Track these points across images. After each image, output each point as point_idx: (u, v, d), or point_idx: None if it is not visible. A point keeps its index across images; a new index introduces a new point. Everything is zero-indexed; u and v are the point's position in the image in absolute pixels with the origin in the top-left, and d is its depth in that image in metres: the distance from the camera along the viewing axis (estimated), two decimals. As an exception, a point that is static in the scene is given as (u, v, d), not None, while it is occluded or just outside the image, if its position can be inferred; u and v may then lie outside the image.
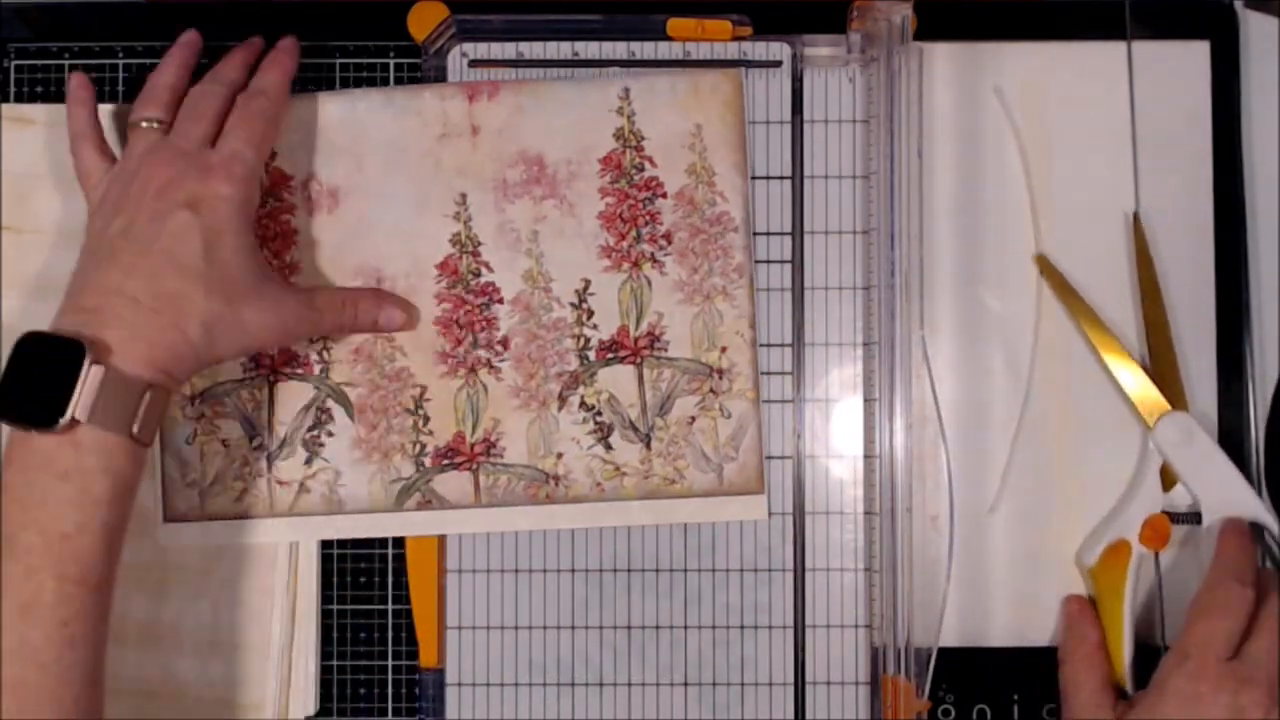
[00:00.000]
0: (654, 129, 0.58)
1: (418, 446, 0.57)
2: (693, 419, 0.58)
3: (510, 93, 0.58)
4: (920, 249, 0.56)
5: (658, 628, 0.58)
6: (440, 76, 0.58)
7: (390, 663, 0.58)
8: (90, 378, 0.47)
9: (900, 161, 0.55)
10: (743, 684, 0.58)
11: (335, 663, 0.58)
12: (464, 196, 0.58)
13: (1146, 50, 0.59)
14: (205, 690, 0.57)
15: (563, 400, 0.57)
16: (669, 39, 0.59)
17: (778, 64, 0.59)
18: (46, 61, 0.59)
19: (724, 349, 0.58)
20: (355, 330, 0.57)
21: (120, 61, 0.59)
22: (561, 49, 0.59)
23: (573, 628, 0.58)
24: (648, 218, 0.58)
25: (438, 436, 0.57)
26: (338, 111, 0.58)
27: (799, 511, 0.58)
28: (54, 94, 0.59)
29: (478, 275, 0.57)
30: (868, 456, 0.58)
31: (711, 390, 0.58)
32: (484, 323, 0.57)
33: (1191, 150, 0.59)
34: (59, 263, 0.58)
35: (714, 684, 0.58)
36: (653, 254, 0.58)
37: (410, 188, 0.58)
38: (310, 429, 0.58)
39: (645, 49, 0.59)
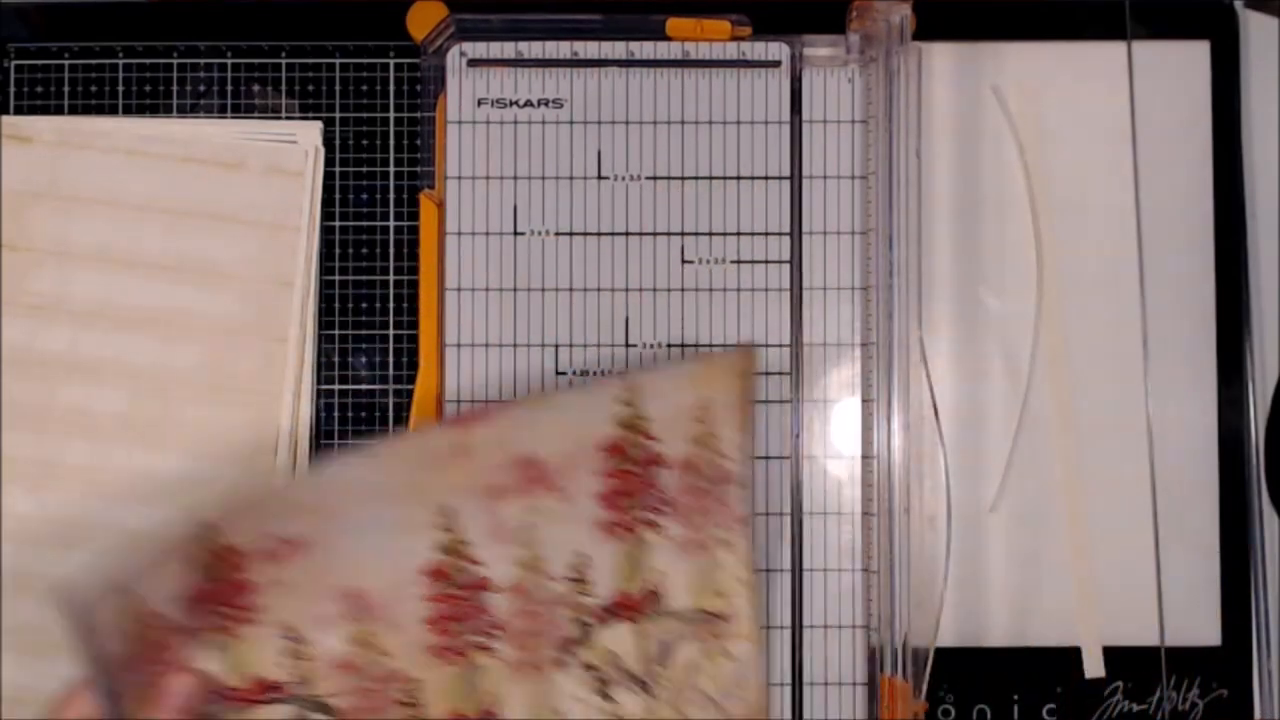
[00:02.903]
0: (660, 409, 0.54)
1: None
2: (694, 664, 0.56)
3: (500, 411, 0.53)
4: (919, 249, 0.56)
5: (656, 628, 0.58)
6: (439, 76, 0.59)
7: None
8: None
9: (899, 161, 0.55)
10: (740, 684, 0.58)
11: None
12: (452, 508, 0.52)
13: (1146, 50, 0.59)
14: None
15: (562, 664, 0.55)
16: (668, 39, 0.59)
17: (776, 64, 0.59)
18: (46, 61, 0.59)
19: (724, 595, 0.55)
20: None
21: (120, 61, 0.59)
22: (561, 49, 0.59)
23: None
24: (648, 488, 0.54)
25: None
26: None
27: (796, 512, 0.58)
28: (54, 95, 0.59)
29: (466, 572, 0.53)
30: (865, 457, 0.58)
31: (713, 634, 0.56)
32: (477, 611, 0.53)
33: (1191, 150, 0.59)
34: (55, 282, 0.58)
35: (712, 684, 0.58)
36: (652, 519, 0.55)
37: (390, 513, 0.52)
38: None
39: (645, 49, 0.59)
